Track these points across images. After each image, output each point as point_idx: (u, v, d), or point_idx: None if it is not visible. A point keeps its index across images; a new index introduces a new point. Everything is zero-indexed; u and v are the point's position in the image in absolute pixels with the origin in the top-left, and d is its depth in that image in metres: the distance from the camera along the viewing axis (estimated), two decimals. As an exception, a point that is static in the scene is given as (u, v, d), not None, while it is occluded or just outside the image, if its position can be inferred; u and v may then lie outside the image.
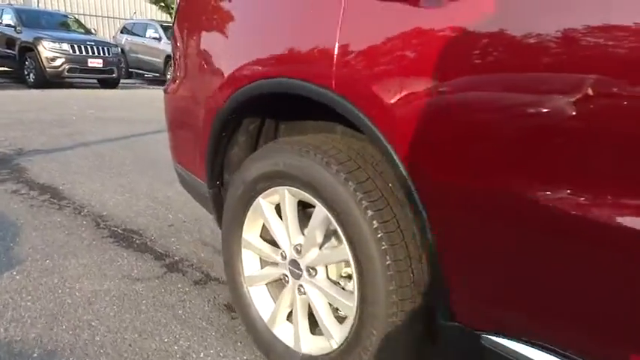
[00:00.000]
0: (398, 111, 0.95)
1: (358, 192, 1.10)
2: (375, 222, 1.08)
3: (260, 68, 1.25)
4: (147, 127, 5.61)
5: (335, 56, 1.06)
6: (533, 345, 0.86)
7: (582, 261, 0.77)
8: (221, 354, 1.52)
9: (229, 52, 1.39)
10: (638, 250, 0.70)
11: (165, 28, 12.49)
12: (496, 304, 0.93)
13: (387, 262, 1.06)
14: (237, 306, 1.52)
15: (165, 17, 17.13)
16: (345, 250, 1.15)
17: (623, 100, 0.69)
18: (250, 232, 1.45)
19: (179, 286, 1.93)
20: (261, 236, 1.46)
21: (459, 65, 0.86)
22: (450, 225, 0.94)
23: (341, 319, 1.27)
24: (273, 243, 1.41)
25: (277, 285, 1.45)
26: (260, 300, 1.47)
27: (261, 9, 1.30)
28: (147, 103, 8.14)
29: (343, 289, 1.26)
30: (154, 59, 12.13)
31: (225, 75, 1.37)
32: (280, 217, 1.36)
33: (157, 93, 11.00)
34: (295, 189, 1.25)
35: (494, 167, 0.84)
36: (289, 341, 1.37)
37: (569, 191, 0.74)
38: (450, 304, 0.99)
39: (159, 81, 12.63)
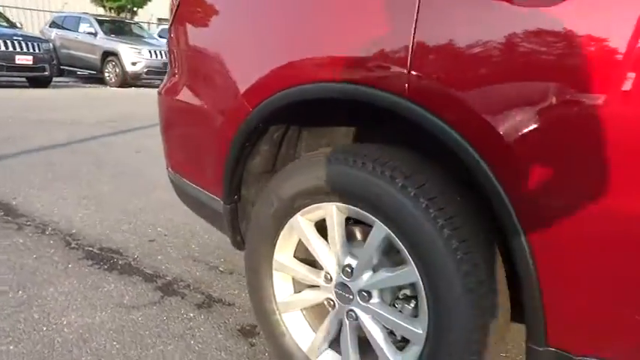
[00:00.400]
0: (496, 125, 0.85)
1: (431, 209, 0.99)
2: (453, 242, 0.97)
3: (308, 72, 1.10)
4: (94, 130, 5.20)
5: (410, 59, 0.94)
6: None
7: None
8: (250, 388, 1.37)
9: (261, 52, 1.22)
10: None
11: (101, 23, 11.75)
12: (599, 328, 0.86)
13: (470, 286, 0.97)
14: (268, 335, 1.37)
15: (99, 11, 16.15)
16: (411, 273, 1.04)
17: None
18: (283, 252, 1.30)
19: (182, 311, 1.74)
20: (294, 256, 1.31)
21: (582, 72, 0.77)
22: (556, 250, 0.85)
23: (398, 346, 1.16)
24: (311, 263, 1.28)
25: (316, 310, 1.32)
26: (297, 328, 1.33)
27: (308, 3, 1.15)
28: (87, 104, 7.60)
29: (400, 312, 1.15)
30: (90, 56, 11.36)
31: (256, 78, 1.21)
32: (322, 235, 1.23)
33: (97, 92, 10.37)
34: (346, 206, 1.12)
35: (614, 190, 0.76)
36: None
37: None
38: (547, 328, 0.91)
39: (95, 79, 11.86)
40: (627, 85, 0.72)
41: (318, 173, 1.13)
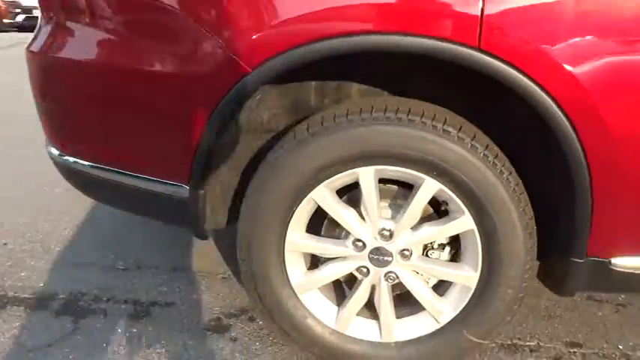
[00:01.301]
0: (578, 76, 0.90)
1: (489, 157, 1.02)
2: (512, 184, 1.03)
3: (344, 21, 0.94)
4: None
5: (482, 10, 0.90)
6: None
7: None
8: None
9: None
10: None
11: None
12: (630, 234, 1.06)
13: (524, 224, 1.05)
14: (286, 325, 1.21)
15: None
16: (466, 222, 1.07)
17: None
18: (296, 230, 1.15)
19: (124, 331, 1.38)
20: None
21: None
22: (608, 174, 0.99)
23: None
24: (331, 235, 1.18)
25: (329, 284, 1.23)
26: (318, 306, 1.22)
27: None
28: None
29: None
30: None
31: (260, 33, 0.97)
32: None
33: None
34: (389, 167, 1.05)
35: None
36: (373, 335, 1.22)
37: None
38: (591, 240, 1.07)
39: None
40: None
41: (364, 136, 1.02)
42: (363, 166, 1.06)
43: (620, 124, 0.94)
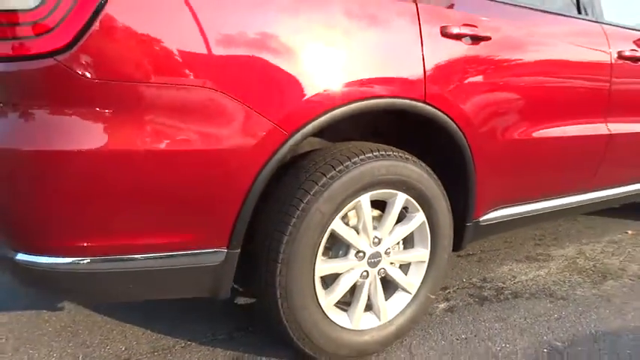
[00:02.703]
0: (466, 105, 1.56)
1: (434, 176, 1.59)
2: (443, 191, 1.62)
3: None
4: None
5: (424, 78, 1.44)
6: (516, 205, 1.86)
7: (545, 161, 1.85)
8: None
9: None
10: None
11: None
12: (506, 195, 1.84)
13: (448, 207, 1.66)
14: (321, 340, 1.44)
15: None
16: (419, 219, 1.59)
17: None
18: (320, 257, 1.42)
19: None
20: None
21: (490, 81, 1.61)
22: (486, 160, 1.69)
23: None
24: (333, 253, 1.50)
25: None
26: (337, 316, 1.50)
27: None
28: None
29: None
30: None
31: (297, 101, 1.24)
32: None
33: None
34: (376, 192, 1.47)
35: (521, 120, 1.73)
36: (374, 323, 1.58)
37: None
38: (476, 210, 1.75)
39: None
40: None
41: (364, 173, 1.40)
42: (364, 193, 1.45)
43: (485, 132, 1.66)
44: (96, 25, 1.05)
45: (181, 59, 1.14)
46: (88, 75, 1.07)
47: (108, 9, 1.06)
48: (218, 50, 1.18)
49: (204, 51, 1.16)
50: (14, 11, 1.03)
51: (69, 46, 1.04)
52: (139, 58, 1.11)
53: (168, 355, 1.60)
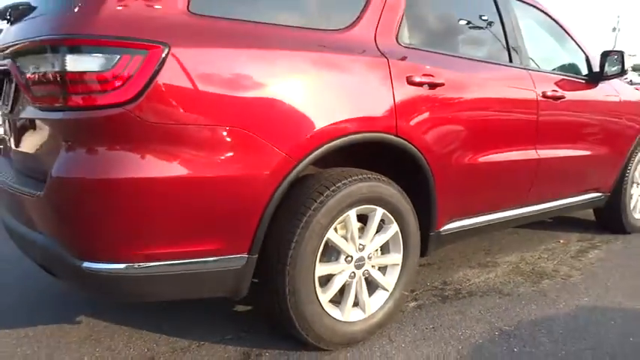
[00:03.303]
0: (427, 137, 1.97)
1: (405, 195, 1.97)
2: (412, 206, 2.01)
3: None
4: None
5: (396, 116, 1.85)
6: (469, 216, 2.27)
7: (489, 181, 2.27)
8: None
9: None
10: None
11: None
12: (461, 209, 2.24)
13: (415, 218, 2.04)
14: (322, 329, 1.76)
15: None
16: (394, 229, 1.97)
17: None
18: (318, 263, 1.76)
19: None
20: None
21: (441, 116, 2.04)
22: (446, 178, 2.09)
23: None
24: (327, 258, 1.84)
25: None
26: (333, 311, 1.84)
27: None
28: None
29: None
30: None
31: (304, 134, 1.62)
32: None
33: None
34: (361, 207, 1.84)
35: (471, 148, 2.14)
36: (361, 315, 1.93)
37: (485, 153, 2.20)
38: (438, 222, 2.15)
39: None
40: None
41: (353, 191, 1.77)
42: (352, 208, 1.81)
43: (442, 158, 2.08)
44: (153, 83, 1.38)
45: (216, 107, 1.49)
46: (148, 119, 1.39)
47: (162, 73, 1.40)
48: (241, 101, 1.54)
49: (233, 102, 1.51)
50: (92, 72, 1.35)
51: (135, 98, 1.36)
52: (184, 107, 1.44)
53: (187, 353, 1.87)
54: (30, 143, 1.72)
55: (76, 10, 1.39)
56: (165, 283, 1.52)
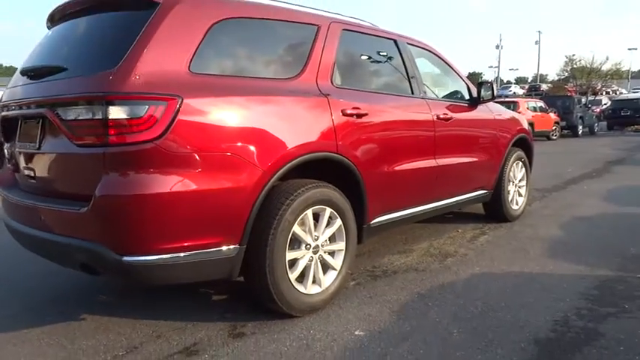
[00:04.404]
0: (358, 153, 2.67)
1: (346, 198, 2.65)
2: (348, 201, 2.69)
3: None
4: None
5: (336, 139, 2.52)
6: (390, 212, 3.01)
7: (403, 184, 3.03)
8: (292, 337, 2.34)
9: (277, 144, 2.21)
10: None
11: None
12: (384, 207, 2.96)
13: (354, 216, 2.73)
14: (293, 300, 2.37)
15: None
16: (338, 223, 2.63)
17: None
18: (288, 250, 2.37)
19: None
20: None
21: (369, 137, 2.76)
22: (372, 183, 2.79)
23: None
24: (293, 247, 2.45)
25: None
26: (299, 286, 2.45)
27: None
28: None
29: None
30: None
31: (278, 156, 2.24)
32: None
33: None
34: (316, 207, 2.48)
35: (388, 160, 2.88)
36: (318, 290, 2.56)
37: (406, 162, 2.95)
38: (368, 217, 2.85)
39: None
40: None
41: (310, 196, 2.41)
42: (309, 208, 2.45)
43: (369, 168, 2.80)
44: (174, 124, 1.94)
45: (215, 139, 2.07)
46: (170, 150, 1.94)
47: (180, 115, 1.96)
48: (231, 133, 2.14)
49: (225, 134, 2.12)
50: (130, 118, 1.88)
51: (160, 136, 1.91)
52: (194, 140, 2.02)
53: (185, 330, 2.39)
54: (58, 171, 2.18)
55: (111, 72, 1.91)
56: (182, 269, 2.05)
